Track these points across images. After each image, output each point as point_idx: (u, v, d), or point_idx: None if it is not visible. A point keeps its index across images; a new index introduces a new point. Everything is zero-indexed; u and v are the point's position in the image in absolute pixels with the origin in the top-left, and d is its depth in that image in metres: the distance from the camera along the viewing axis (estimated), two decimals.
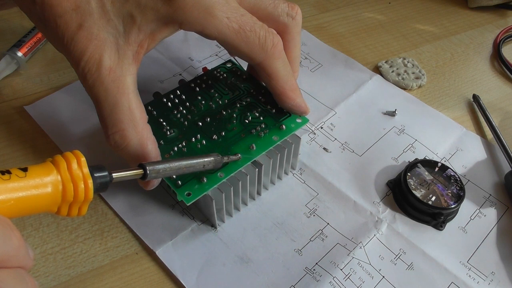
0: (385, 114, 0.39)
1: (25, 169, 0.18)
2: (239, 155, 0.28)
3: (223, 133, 0.30)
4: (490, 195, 0.35)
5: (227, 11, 0.26)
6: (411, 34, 0.49)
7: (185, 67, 0.41)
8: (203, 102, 0.32)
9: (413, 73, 0.43)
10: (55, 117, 0.36)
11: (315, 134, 0.37)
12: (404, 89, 0.42)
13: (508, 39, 0.49)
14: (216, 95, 0.32)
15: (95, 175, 0.21)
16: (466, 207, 0.34)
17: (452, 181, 0.33)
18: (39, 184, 0.18)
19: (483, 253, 0.31)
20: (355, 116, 0.39)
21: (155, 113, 0.31)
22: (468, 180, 0.35)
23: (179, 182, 0.27)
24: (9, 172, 0.18)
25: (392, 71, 0.43)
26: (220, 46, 0.42)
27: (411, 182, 0.33)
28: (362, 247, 0.31)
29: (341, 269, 0.29)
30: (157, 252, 0.29)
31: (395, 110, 0.39)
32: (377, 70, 0.44)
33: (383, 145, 0.37)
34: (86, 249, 0.30)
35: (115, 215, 0.31)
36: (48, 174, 0.19)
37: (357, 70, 0.43)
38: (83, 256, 0.29)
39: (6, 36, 0.42)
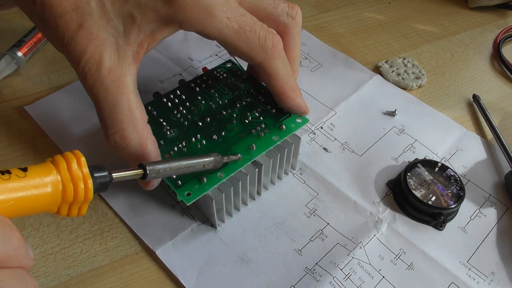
0: (385, 114, 0.39)
1: (25, 169, 0.18)
2: (239, 155, 0.28)
3: (223, 133, 0.30)
4: (490, 195, 0.35)
5: (227, 11, 0.26)
6: (411, 34, 0.49)
7: (185, 67, 0.41)
8: (203, 102, 0.32)
9: (413, 73, 0.43)
10: (55, 117, 0.36)
11: (315, 134, 0.37)
12: (404, 89, 0.42)
13: (508, 39, 0.49)
14: (216, 95, 0.32)
15: (95, 175, 0.21)
16: (466, 207, 0.34)
17: (452, 181, 0.33)
18: (39, 184, 0.19)
19: (483, 253, 0.31)
20: (355, 116, 0.39)
21: (155, 113, 0.31)
22: (468, 180, 0.35)
23: (179, 182, 0.27)
24: (9, 172, 0.18)
25: (392, 71, 0.43)
26: (220, 46, 0.42)
27: (411, 182, 0.33)
28: (362, 247, 0.31)
29: (341, 269, 0.29)
30: (157, 252, 0.29)
31: (395, 110, 0.39)
32: (377, 70, 0.44)
33: (383, 145, 0.37)
34: (86, 249, 0.30)
35: (115, 215, 0.31)
36: (48, 174, 0.19)
37: (357, 70, 0.43)
38: (83, 256, 0.29)
39: (6, 36, 0.42)
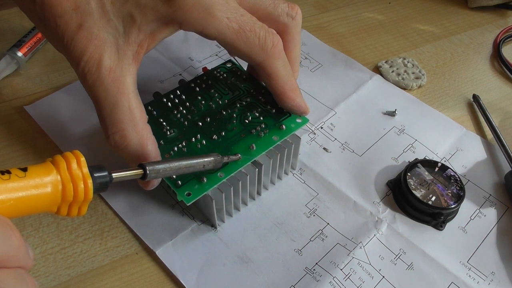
0: (385, 114, 0.39)
1: (25, 169, 0.18)
2: (239, 155, 0.28)
3: (223, 133, 0.30)
4: (490, 195, 0.35)
5: (227, 11, 0.26)
6: (411, 34, 0.49)
7: (185, 67, 0.41)
8: (203, 102, 0.32)
9: (413, 73, 0.43)
10: (55, 117, 0.36)
11: (315, 134, 0.37)
12: (404, 89, 0.42)
13: (508, 39, 0.49)
14: (216, 95, 0.32)
15: (95, 175, 0.21)
16: (466, 207, 0.34)
17: (452, 181, 0.33)
18: (39, 184, 0.19)
19: (483, 253, 0.31)
20: (355, 116, 0.39)
21: (155, 113, 0.31)
22: (468, 180, 0.35)
23: (179, 182, 0.27)
24: (9, 172, 0.18)
25: (392, 71, 0.43)
26: (220, 46, 0.42)
27: (411, 182, 0.33)
28: (362, 247, 0.31)
29: (341, 269, 0.29)
30: (157, 252, 0.29)
31: (395, 110, 0.39)
32: (377, 70, 0.44)
33: (383, 145, 0.37)
34: (86, 249, 0.30)
35: (115, 215, 0.31)
36: (48, 174, 0.19)
37: (357, 70, 0.43)
38: (83, 256, 0.29)
39: (6, 36, 0.42)
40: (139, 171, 0.23)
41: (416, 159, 0.35)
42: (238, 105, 0.32)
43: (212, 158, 0.27)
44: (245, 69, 0.34)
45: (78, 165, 0.20)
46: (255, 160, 0.29)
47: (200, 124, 0.30)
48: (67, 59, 0.25)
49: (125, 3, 0.25)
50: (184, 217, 0.31)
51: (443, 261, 0.30)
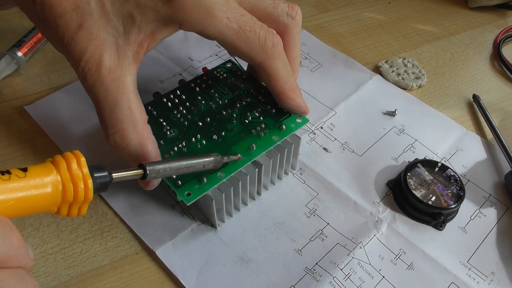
0: (385, 114, 0.39)
1: (25, 169, 0.18)
2: (239, 155, 0.28)
3: (223, 133, 0.30)
4: (490, 195, 0.35)
5: (227, 11, 0.26)
6: (411, 34, 0.49)
7: (185, 67, 0.41)
8: (203, 102, 0.32)
9: (413, 73, 0.43)
10: (55, 117, 0.36)
11: (315, 134, 0.37)
12: (404, 89, 0.42)
13: (508, 39, 0.49)
14: (216, 95, 0.32)
15: (95, 175, 0.21)
16: (466, 207, 0.34)
17: (452, 181, 0.33)
18: (39, 184, 0.19)
19: (483, 253, 0.31)
20: (355, 116, 0.39)
21: (155, 113, 0.31)
22: (468, 180, 0.35)
23: (179, 182, 0.27)
24: (9, 172, 0.18)
25: (392, 71, 0.43)
26: (220, 46, 0.42)
27: (411, 182, 0.33)
28: (362, 247, 0.31)
29: (341, 269, 0.29)
30: (157, 252, 0.29)
31: (395, 110, 0.39)
32: (377, 70, 0.44)
33: (383, 145, 0.37)
34: (86, 249, 0.30)
35: (115, 215, 0.31)
36: (48, 174, 0.19)
37: (357, 70, 0.43)
38: (83, 256, 0.29)
39: (6, 36, 0.42)
40: (139, 171, 0.23)
41: (416, 159, 0.35)
42: (238, 105, 0.32)
43: (212, 158, 0.27)
44: (245, 69, 0.34)
45: (78, 165, 0.20)
46: (255, 160, 0.29)
47: (200, 124, 0.30)
48: (67, 59, 0.25)
49: (125, 3, 0.25)
50: (184, 217, 0.31)
51: (443, 261, 0.30)
